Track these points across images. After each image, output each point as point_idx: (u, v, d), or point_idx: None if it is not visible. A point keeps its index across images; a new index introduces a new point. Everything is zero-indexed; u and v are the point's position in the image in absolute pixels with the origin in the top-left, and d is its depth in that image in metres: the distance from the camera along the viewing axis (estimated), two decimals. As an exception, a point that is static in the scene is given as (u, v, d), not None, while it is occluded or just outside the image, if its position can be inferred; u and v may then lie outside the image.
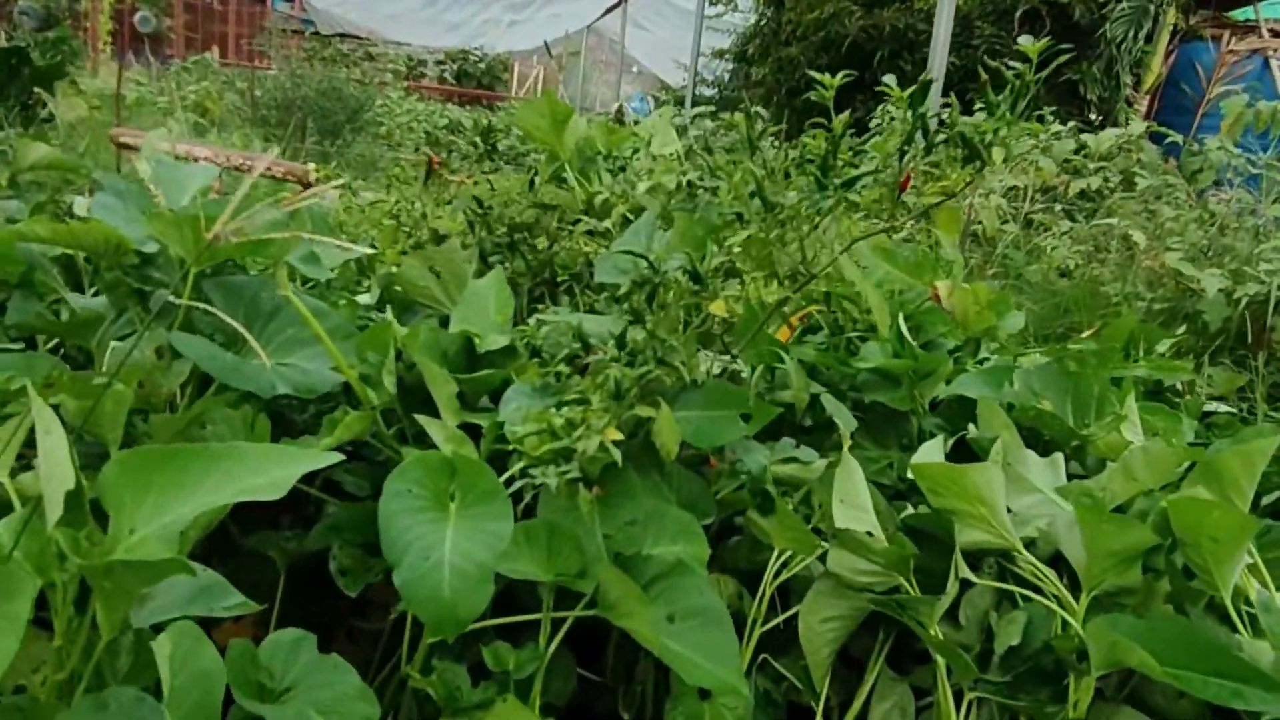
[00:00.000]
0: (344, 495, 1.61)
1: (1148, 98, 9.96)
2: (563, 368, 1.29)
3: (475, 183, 1.96)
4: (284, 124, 7.91)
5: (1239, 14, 10.80)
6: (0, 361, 1.37)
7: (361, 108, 8.51)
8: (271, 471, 0.84)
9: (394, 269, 1.94)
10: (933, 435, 1.91)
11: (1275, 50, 10.65)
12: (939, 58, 6.45)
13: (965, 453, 1.75)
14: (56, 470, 0.80)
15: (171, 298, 1.47)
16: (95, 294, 1.69)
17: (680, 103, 13.40)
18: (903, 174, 1.28)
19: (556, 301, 2.04)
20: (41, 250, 1.63)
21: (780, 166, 1.49)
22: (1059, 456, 1.61)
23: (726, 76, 13.18)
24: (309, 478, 1.36)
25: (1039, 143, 6.05)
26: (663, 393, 1.27)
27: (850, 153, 1.87)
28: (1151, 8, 9.27)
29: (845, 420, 1.67)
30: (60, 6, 12.06)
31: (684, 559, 1.24)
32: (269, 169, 3.27)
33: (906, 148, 1.26)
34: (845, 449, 1.44)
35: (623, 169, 1.95)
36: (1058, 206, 5.78)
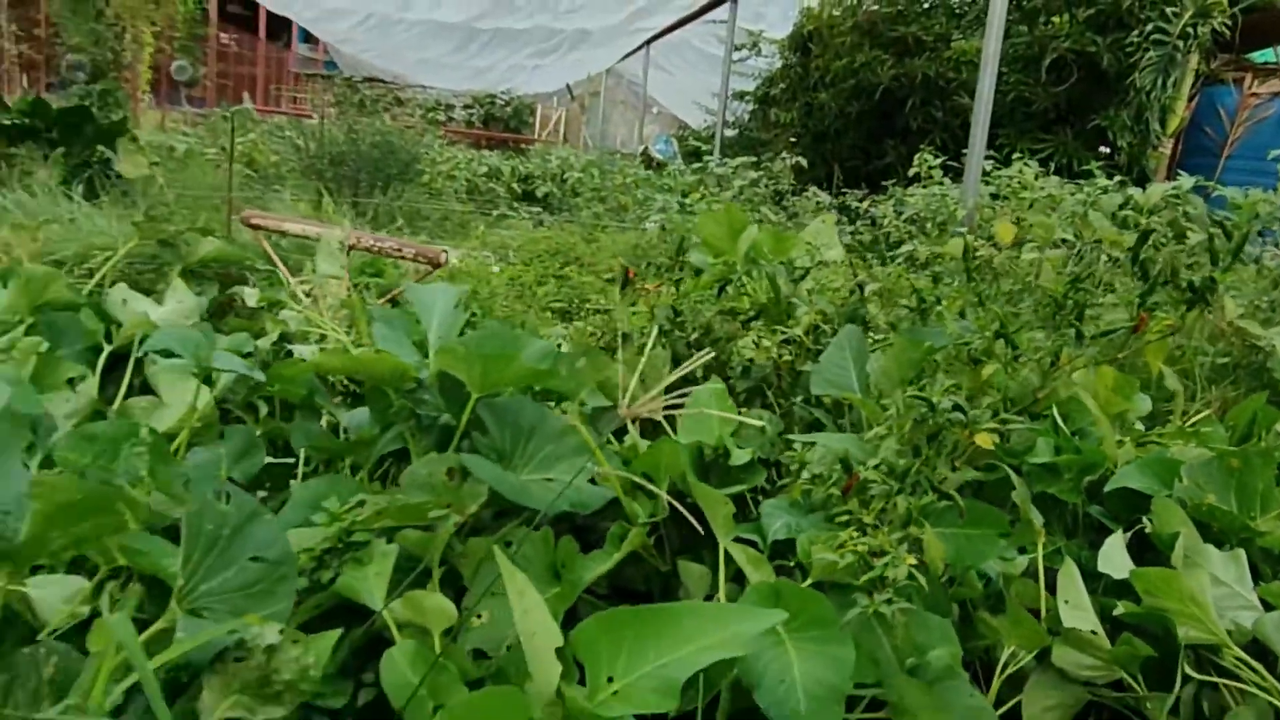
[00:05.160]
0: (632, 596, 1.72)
1: (1171, 141, 10.17)
2: (833, 491, 1.45)
3: (661, 294, 2.14)
4: (335, 178, 8.11)
5: (1260, 56, 11.01)
6: (314, 487, 1.54)
7: (414, 159, 8.73)
8: (732, 626, 0.99)
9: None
10: (1097, 526, 2.06)
11: (1298, 93, 10.83)
12: (984, 103, 6.47)
13: (1144, 545, 1.91)
14: (540, 628, 0.95)
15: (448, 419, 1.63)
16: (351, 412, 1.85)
17: (703, 144, 13.67)
18: (1138, 318, 1.45)
19: (746, 403, 2.19)
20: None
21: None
22: (1241, 553, 1.76)
23: (747, 118, 13.42)
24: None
25: (1086, 196, 6.20)
26: (925, 513, 1.43)
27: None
28: (1177, 55, 9.47)
29: (1037, 518, 1.83)
30: (105, 60, 12.38)
31: (950, 663, 1.40)
32: (399, 250, 3.45)
33: (1145, 298, 1.43)
34: (1066, 556, 1.59)
35: (803, 276, 2.12)
36: (1104, 260, 5.90)
